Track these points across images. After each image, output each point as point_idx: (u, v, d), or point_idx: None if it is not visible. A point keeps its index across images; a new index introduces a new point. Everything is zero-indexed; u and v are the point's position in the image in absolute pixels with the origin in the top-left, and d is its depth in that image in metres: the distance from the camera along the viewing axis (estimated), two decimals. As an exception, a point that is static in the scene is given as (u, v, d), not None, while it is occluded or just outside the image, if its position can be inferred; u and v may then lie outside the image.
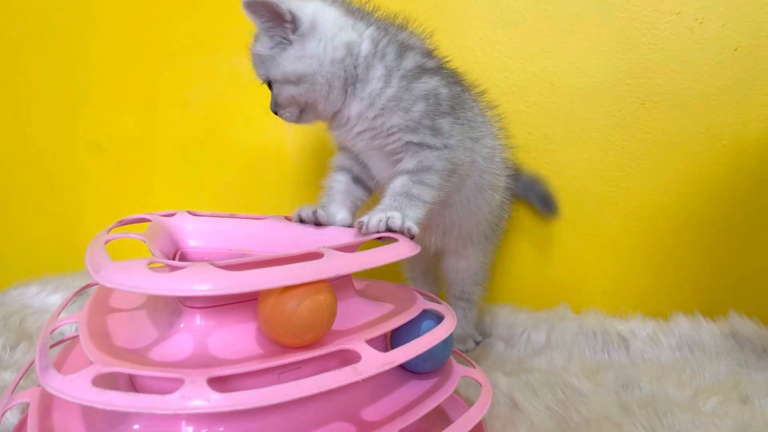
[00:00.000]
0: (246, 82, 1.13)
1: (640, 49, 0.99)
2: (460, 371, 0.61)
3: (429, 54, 0.72)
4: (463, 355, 0.69)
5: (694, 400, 0.70)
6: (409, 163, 0.66)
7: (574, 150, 1.03)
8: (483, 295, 0.92)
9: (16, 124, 1.25)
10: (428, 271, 0.95)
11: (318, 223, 0.69)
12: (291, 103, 0.69)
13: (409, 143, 0.67)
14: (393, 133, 0.67)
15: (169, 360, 0.46)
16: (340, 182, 0.75)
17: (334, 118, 0.71)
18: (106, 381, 0.42)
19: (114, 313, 0.55)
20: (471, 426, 0.53)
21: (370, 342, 0.50)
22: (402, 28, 0.72)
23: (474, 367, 0.64)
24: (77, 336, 0.67)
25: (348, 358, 0.53)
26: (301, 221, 0.70)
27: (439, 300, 0.64)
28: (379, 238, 0.61)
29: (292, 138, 0.76)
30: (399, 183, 0.65)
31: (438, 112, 0.66)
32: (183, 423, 0.47)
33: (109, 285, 0.43)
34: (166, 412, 0.39)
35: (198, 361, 0.46)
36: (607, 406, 0.68)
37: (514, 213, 1.02)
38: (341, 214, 0.72)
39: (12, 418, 0.60)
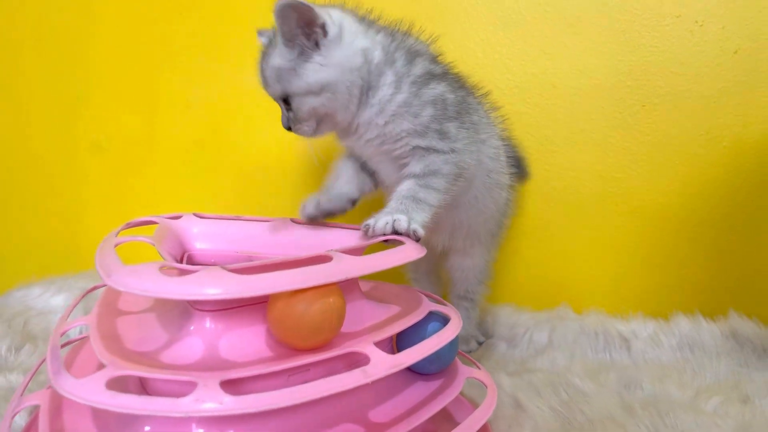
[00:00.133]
0: (248, 83, 1.14)
1: (640, 52, 0.99)
2: (465, 372, 0.61)
3: (435, 60, 0.73)
4: (468, 356, 0.69)
5: (696, 400, 0.70)
6: (415, 167, 0.67)
7: (574, 151, 1.03)
8: (486, 294, 0.93)
9: (17, 124, 1.25)
10: (431, 271, 0.96)
11: (329, 214, 0.71)
12: (311, 116, 0.67)
13: (416, 148, 0.67)
14: (401, 138, 0.67)
15: (180, 363, 0.46)
16: (347, 165, 0.76)
17: (345, 127, 0.70)
18: (118, 383, 0.42)
19: (123, 316, 0.56)
20: (477, 427, 0.53)
21: (378, 344, 0.50)
22: (408, 34, 0.72)
23: (479, 368, 0.65)
24: (84, 338, 0.68)
25: (356, 360, 0.54)
26: (311, 220, 0.70)
27: (444, 301, 0.65)
28: (385, 241, 0.61)
29: (312, 149, 0.76)
30: (406, 186, 0.66)
31: (445, 116, 0.67)
32: (194, 425, 0.47)
33: (121, 288, 0.43)
34: (180, 415, 0.39)
35: (209, 364, 0.47)
36: (610, 406, 0.68)
37: (515, 216, 1.02)
38: (347, 187, 0.73)
39: (20, 420, 0.60)
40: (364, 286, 0.67)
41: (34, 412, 0.61)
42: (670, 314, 0.95)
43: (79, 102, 1.22)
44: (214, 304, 0.49)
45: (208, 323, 0.49)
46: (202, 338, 0.48)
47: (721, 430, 0.62)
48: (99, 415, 0.50)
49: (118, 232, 0.58)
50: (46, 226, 1.27)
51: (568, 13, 1.01)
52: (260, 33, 0.75)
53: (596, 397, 0.71)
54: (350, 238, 0.67)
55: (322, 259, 0.50)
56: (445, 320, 0.60)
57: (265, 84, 0.69)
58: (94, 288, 0.67)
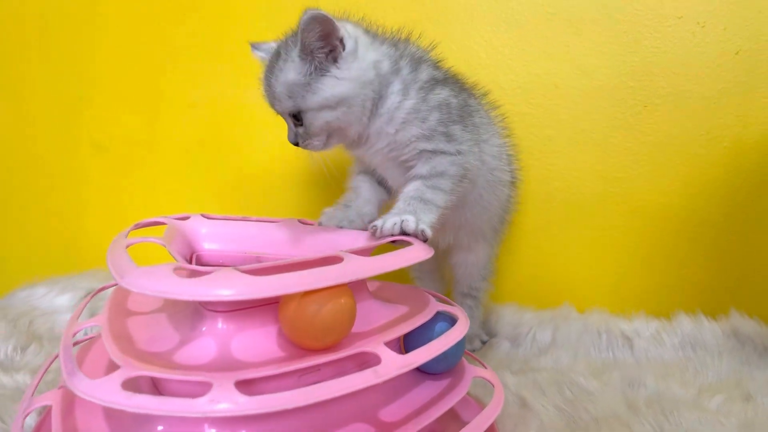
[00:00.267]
0: (250, 83, 1.14)
1: (642, 52, 1.00)
2: (472, 372, 0.62)
3: (437, 65, 0.74)
4: (474, 356, 0.70)
5: (699, 398, 0.71)
6: (422, 168, 0.67)
7: (576, 151, 1.04)
8: (489, 291, 0.93)
9: (19, 124, 1.25)
10: (435, 269, 0.97)
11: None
12: (323, 130, 0.67)
13: (423, 151, 0.68)
14: (410, 143, 0.68)
15: (194, 363, 0.47)
16: (365, 182, 0.77)
17: (355, 139, 0.70)
18: (131, 384, 0.43)
19: (133, 316, 0.56)
20: (486, 426, 0.54)
21: (387, 344, 0.51)
22: (409, 42, 0.73)
23: (485, 368, 0.65)
24: (92, 338, 0.68)
25: (365, 359, 0.55)
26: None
27: (451, 301, 0.65)
28: (393, 242, 0.62)
29: (323, 162, 0.76)
30: (413, 187, 0.66)
31: (450, 120, 0.68)
32: (206, 425, 0.47)
33: (135, 290, 0.43)
34: (196, 415, 0.40)
35: (222, 365, 0.47)
36: (615, 404, 0.69)
37: (517, 215, 1.03)
38: (368, 208, 0.74)
39: (29, 420, 0.60)
40: (371, 286, 0.67)
41: (44, 412, 0.61)
42: (672, 313, 0.96)
43: (80, 102, 1.22)
44: (226, 304, 0.49)
45: (220, 324, 0.50)
46: (214, 339, 0.49)
47: (724, 428, 0.63)
48: (111, 414, 0.50)
49: (127, 233, 0.58)
50: (47, 226, 1.27)
51: (570, 15, 1.02)
52: (255, 47, 0.73)
53: (600, 395, 0.71)
54: (358, 238, 0.67)
55: (332, 260, 0.50)
56: (452, 320, 0.61)
57: (274, 100, 0.67)
58: (103, 288, 0.67)
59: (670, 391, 0.73)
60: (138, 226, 0.63)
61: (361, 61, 0.65)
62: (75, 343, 0.68)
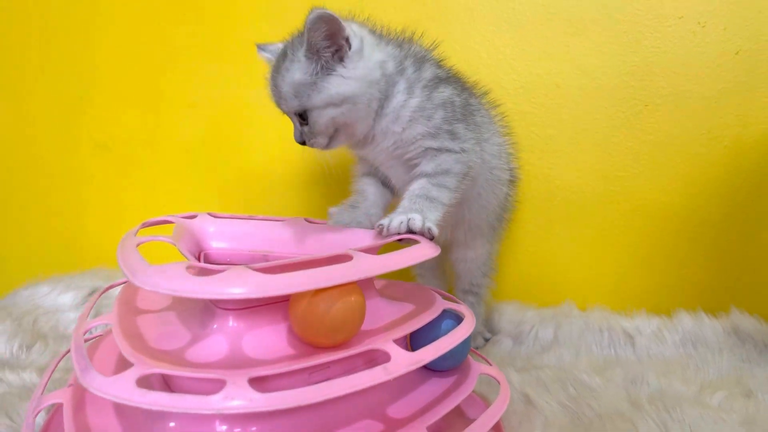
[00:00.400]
0: (252, 82, 1.15)
1: (643, 52, 1.01)
2: (478, 369, 0.63)
3: (440, 65, 0.75)
4: (479, 353, 0.71)
5: (701, 395, 0.72)
6: (427, 166, 0.68)
7: (577, 150, 1.05)
8: (491, 288, 0.94)
9: (20, 124, 1.25)
10: (436, 266, 0.97)
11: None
12: (328, 127, 0.67)
13: (428, 149, 0.69)
14: (415, 141, 0.69)
15: (206, 361, 0.47)
16: (371, 185, 0.77)
17: (360, 139, 0.71)
18: (144, 381, 0.43)
19: (143, 314, 0.56)
20: (493, 423, 0.55)
21: (394, 342, 0.51)
22: (412, 41, 0.74)
23: (490, 365, 0.66)
24: (99, 336, 0.68)
25: (373, 357, 0.55)
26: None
27: (456, 299, 0.66)
28: (400, 240, 0.62)
29: (326, 160, 0.76)
30: (418, 185, 0.67)
31: (454, 118, 0.69)
32: (217, 422, 0.48)
33: (149, 288, 0.44)
34: (211, 412, 0.40)
35: (233, 362, 0.47)
36: (618, 401, 0.70)
37: (518, 214, 1.04)
38: (374, 209, 0.74)
39: (38, 418, 0.61)
40: (377, 285, 0.68)
41: (52, 410, 0.61)
42: (673, 311, 0.97)
43: (81, 102, 1.22)
44: (237, 302, 0.50)
45: (231, 322, 0.50)
46: (225, 336, 0.49)
47: (726, 425, 0.64)
48: (122, 412, 0.51)
49: (136, 232, 0.58)
50: (48, 226, 1.27)
51: (571, 15, 1.02)
52: (261, 48, 0.74)
53: (604, 392, 0.72)
54: (364, 237, 0.67)
55: (342, 258, 0.51)
56: (457, 318, 0.62)
57: (280, 100, 0.68)
58: (111, 287, 0.67)
59: (672, 387, 0.74)
60: (146, 225, 0.63)
61: (367, 61, 0.66)
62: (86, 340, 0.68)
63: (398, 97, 0.68)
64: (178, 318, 0.55)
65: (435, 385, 0.60)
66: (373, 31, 0.70)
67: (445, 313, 0.62)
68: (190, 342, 0.50)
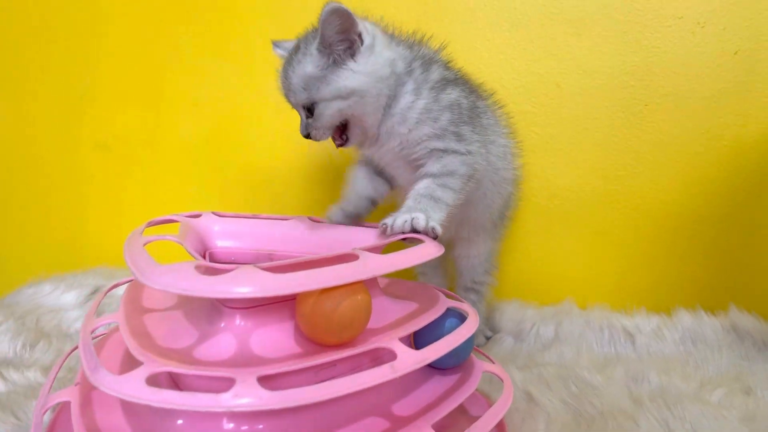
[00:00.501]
0: (254, 81, 1.15)
1: (643, 52, 1.01)
2: (481, 367, 0.63)
3: (447, 66, 0.75)
4: (483, 352, 0.71)
5: (701, 392, 0.73)
6: (432, 167, 0.68)
7: (578, 150, 1.05)
8: (493, 285, 0.94)
9: (22, 123, 1.25)
10: (438, 265, 0.98)
11: (356, 216, 0.73)
12: (333, 120, 0.69)
13: (434, 150, 0.69)
14: (421, 142, 0.69)
15: (214, 359, 0.48)
16: (361, 171, 0.78)
17: (367, 138, 0.72)
18: (152, 379, 0.43)
19: (149, 313, 0.57)
20: (497, 420, 0.55)
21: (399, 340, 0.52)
22: (422, 43, 0.75)
23: (493, 363, 0.67)
24: (104, 335, 0.69)
25: (378, 355, 0.56)
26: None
27: (460, 298, 0.67)
28: (404, 239, 0.63)
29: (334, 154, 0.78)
30: (423, 185, 0.67)
31: (461, 120, 0.69)
32: (225, 420, 0.48)
33: (158, 287, 0.44)
34: (222, 410, 0.40)
35: (241, 360, 0.48)
36: (620, 398, 0.70)
37: (519, 213, 1.04)
38: (364, 190, 0.76)
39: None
40: (380, 283, 0.68)
41: (57, 409, 0.61)
42: (673, 309, 0.98)
43: (83, 101, 1.22)
44: (245, 301, 0.50)
45: (238, 320, 0.50)
46: (233, 335, 0.49)
47: (727, 421, 0.64)
48: (130, 409, 0.51)
49: (142, 231, 0.59)
50: (49, 225, 1.27)
51: (572, 15, 1.03)
52: (276, 44, 0.76)
53: (605, 389, 0.73)
54: (368, 236, 0.68)
55: (349, 257, 0.51)
56: (461, 316, 0.62)
57: (289, 92, 0.69)
58: (115, 285, 0.68)
59: (672, 385, 0.75)
60: (151, 224, 0.63)
61: (377, 57, 0.67)
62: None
63: (406, 97, 0.69)
64: (185, 317, 0.56)
65: (438, 383, 0.60)
66: (385, 31, 0.71)
67: (449, 312, 0.62)
68: (198, 340, 0.50)
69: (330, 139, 0.72)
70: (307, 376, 0.49)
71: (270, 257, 0.67)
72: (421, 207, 0.65)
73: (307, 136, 0.70)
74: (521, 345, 0.92)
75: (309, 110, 0.68)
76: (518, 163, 0.89)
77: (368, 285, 0.58)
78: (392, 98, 0.68)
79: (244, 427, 0.48)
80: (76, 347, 0.67)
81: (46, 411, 0.54)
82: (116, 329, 0.68)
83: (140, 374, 0.42)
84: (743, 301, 0.96)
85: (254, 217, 0.71)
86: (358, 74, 0.66)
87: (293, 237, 0.69)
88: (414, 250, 0.57)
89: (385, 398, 0.55)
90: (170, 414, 0.48)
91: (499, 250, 0.94)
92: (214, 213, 0.70)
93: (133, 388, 0.41)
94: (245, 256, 0.68)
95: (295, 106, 0.71)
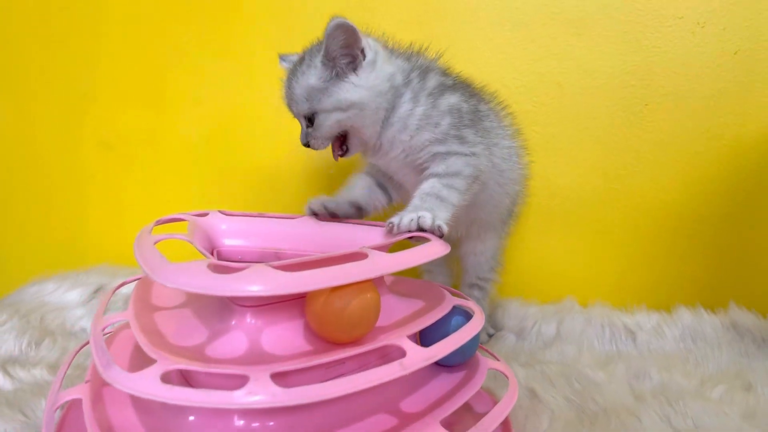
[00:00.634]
0: (255, 81, 1.15)
1: (643, 52, 1.02)
2: (486, 364, 0.64)
3: (446, 73, 0.77)
4: (488, 349, 0.72)
5: (702, 388, 0.74)
6: (438, 167, 0.70)
7: (579, 149, 1.06)
8: (497, 283, 0.95)
9: (24, 122, 1.25)
10: (443, 263, 0.99)
11: (332, 214, 0.74)
12: (332, 130, 0.71)
13: (437, 153, 0.71)
14: (424, 148, 0.71)
15: (225, 357, 0.48)
16: (362, 180, 0.80)
17: (370, 147, 0.74)
18: (165, 377, 0.44)
19: (159, 311, 0.57)
20: (503, 417, 0.56)
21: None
22: (420, 54, 0.77)
23: (498, 360, 0.67)
24: (110, 333, 0.69)
25: (386, 352, 0.56)
26: (314, 214, 0.73)
27: (465, 296, 0.67)
28: (410, 238, 0.63)
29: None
30: (428, 185, 0.68)
31: (462, 124, 0.71)
32: (236, 417, 0.49)
33: (171, 286, 0.44)
34: (236, 406, 0.41)
35: (253, 358, 0.48)
36: (622, 395, 0.71)
37: (521, 212, 1.05)
38: (355, 197, 0.76)
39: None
40: (386, 281, 0.69)
41: (66, 406, 0.62)
42: (673, 307, 0.99)
43: (85, 100, 1.22)
44: (255, 299, 0.50)
45: (248, 318, 0.51)
46: (245, 333, 0.50)
47: (728, 417, 0.65)
48: (141, 406, 0.52)
49: (151, 229, 0.59)
50: (51, 224, 1.27)
51: (573, 15, 1.04)
52: (282, 58, 0.78)
53: (607, 386, 0.74)
54: (373, 235, 0.68)
55: (358, 256, 0.52)
56: (466, 314, 0.63)
57: (292, 102, 0.72)
58: (123, 284, 0.68)
59: (673, 381, 0.75)
60: (159, 223, 0.64)
61: (378, 72, 0.69)
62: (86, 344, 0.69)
63: (404, 106, 0.71)
64: (194, 315, 0.56)
65: (445, 380, 0.61)
66: (386, 47, 0.74)
67: (455, 310, 0.63)
68: (209, 338, 0.50)
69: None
70: (317, 373, 0.50)
71: (277, 256, 0.68)
72: (427, 206, 0.65)
73: (307, 145, 0.72)
74: (523, 343, 0.93)
75: (310, 120, 0.71)
76: (525, 162, 0.90)
77: (376, 283, 0.59)
78: (390, 110, 0.71)
79: (255, 424, 0.49)
80: (83, 345, 0.68)
81: (57, 409, 0.54)
82: (122, 328, 0.68)
83: (155, 371, 0.43)
84: (743, 299, 0.97)
85: (261, 215, 0.72)
86: (359, 88, 0.68)
87: (300, 235, 0.70)
88: (421, 248, 0.58)
89: (393, 395, 0.56)
90: (182, 411, 0.49)
91: (505, 247, 0.95)
92: (220, 212, 0.70)
93: (148, 385, 0.42)
94: (252, 255, 0.68)
95: (296, 115, 0.73)
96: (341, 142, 0.74)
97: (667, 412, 0.66)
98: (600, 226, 1.07)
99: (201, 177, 1.21)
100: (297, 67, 0.71)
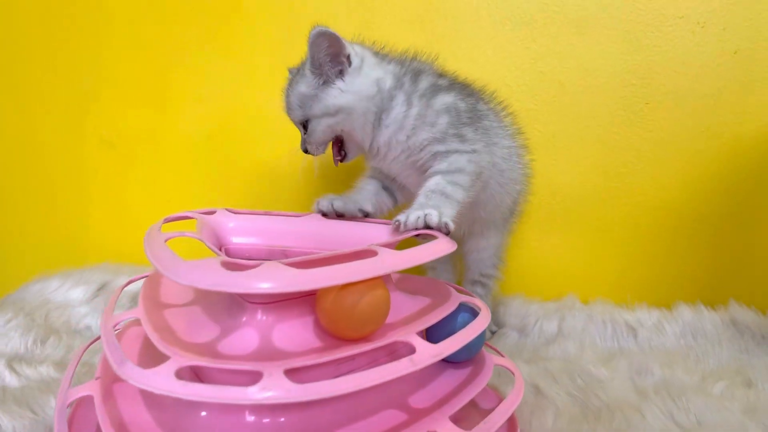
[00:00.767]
0: (258, 79, 1.15)
1: (644, 51, 1.03)
2: (493, 360, 0.64)
3: (440, 75, 0.78)
4: (493, 346, 0.72)
5: (703, 384, 0.75)
6: (440, 165, 0.71)
7: (580, 147, 1.07)
8: (499, 280, 0.96)
9: (26, 120, 1.25)
10: (447, 260, 0.99)
11: (339, 215, 0.74)
12: (325, 136, 0.75)
13: (437, 152, 0.72)
14: (424, 147, 0.73)
15: (237, 353, 0.48)
16: (370, 184, 0.81)
17: (367, 150, 0.77)
18: (179, 373, 0.44)
19: (169, 309, 0.57)
20: (510, 413, 0.56)
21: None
22: (414, 58, 0.79)
23: (502, 356, 0.68)
24: (118, 331, 0.69)
25: (394, 349, 0.57)
26: (323, 214, 0.74)
27: (471, 293, 0.68)
28: (417, 235, 0.64)
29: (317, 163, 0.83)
30: (433, 182, 0.69)
31: (460, 122, 0.72)
32: (247, 412, 0.49)
33: (185, 283, 0.45)
34: (250, 402, 0.42)
35: (264, 354, 0.49)
36: (625, 391, 0.72)
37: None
38: (363, 201, 0.77)
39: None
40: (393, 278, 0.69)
41: (74, 403, 0.62)
42: (673, 304, 1.00)
43: (87, 98, 1.22)
44: (266, 296, 0.51)
45: (259, 315, 0.51)
46: (256, 329, 0.50)
47: (730, 412, 0.66)
48: (153, 402, 0.52)
49: (160, 227, 0.59)
50: (53, 222, 1.27)
51: (575, 14, 1.04)
52: (289, 71, 0.80)
53: (610, 382, 0.75)
54: (380, 232, 0.69)
55: (367, 253, 0.52)
56: (472, 311, 0.63)
57: (289, 109, 0.76)
58: (130, 282, 0.68)
59: (675, 377, 0.76)
60: (167, 221, 0.64)
61: (364, 78, 0.72)
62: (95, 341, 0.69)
63: (397, 108, 0.73)
64: (204, 312, 0.56)
65: (452, 377, 0.61)
66: (377, 53, 0.76)
67: (461, 307, 0.63)
68: (221, 335, 0.51)
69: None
70: (328, 369, 0.50)
71: (284, 254, 0.68)
72: (433, 203, 0.66)
73: (306, 150, 0.76)
74: (525, 339, 0.94)
75: (305, 127, 0.74)
76: (526, 161, 0.90)
77: (384, 280, 0.60)
78: (383, 113, 0.73)
79: (266, 420, 0.49)
80: (92, 342, 0.68)
81: (68, 406, 0.55)
82: (128, 327, 0.68)
83: (169, 368, 0.43)
84: (742, 296, 0.99)
85: (268, 213, 0.72)
86: (345, 93, 0.71)
87: (306, 233, 0.70)
88: (429, 245, 0.58)
89: (401, 391, 0.56)
90: (194, 407, 0.49)
91: (508, 243, 0.96)
92: (228, 210, 0.70)
93: (163, 381, 0.42)
94: (260, 253, 0.69)
95: (294, 122, 0.77)
96: (339, 148, 0.77)
97: (670, 408, 0.67)
98: (601, 224, 1.08)
99: (202, 175, 1.22)
100: (293, 76, 0.75)
